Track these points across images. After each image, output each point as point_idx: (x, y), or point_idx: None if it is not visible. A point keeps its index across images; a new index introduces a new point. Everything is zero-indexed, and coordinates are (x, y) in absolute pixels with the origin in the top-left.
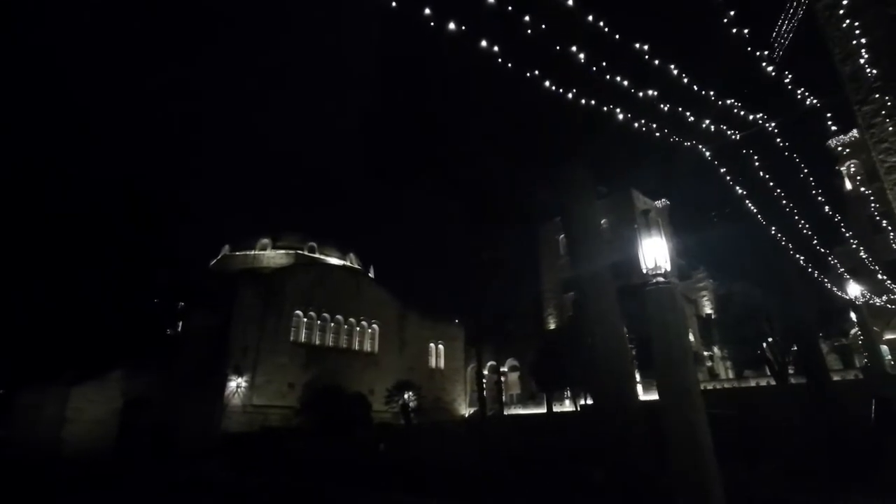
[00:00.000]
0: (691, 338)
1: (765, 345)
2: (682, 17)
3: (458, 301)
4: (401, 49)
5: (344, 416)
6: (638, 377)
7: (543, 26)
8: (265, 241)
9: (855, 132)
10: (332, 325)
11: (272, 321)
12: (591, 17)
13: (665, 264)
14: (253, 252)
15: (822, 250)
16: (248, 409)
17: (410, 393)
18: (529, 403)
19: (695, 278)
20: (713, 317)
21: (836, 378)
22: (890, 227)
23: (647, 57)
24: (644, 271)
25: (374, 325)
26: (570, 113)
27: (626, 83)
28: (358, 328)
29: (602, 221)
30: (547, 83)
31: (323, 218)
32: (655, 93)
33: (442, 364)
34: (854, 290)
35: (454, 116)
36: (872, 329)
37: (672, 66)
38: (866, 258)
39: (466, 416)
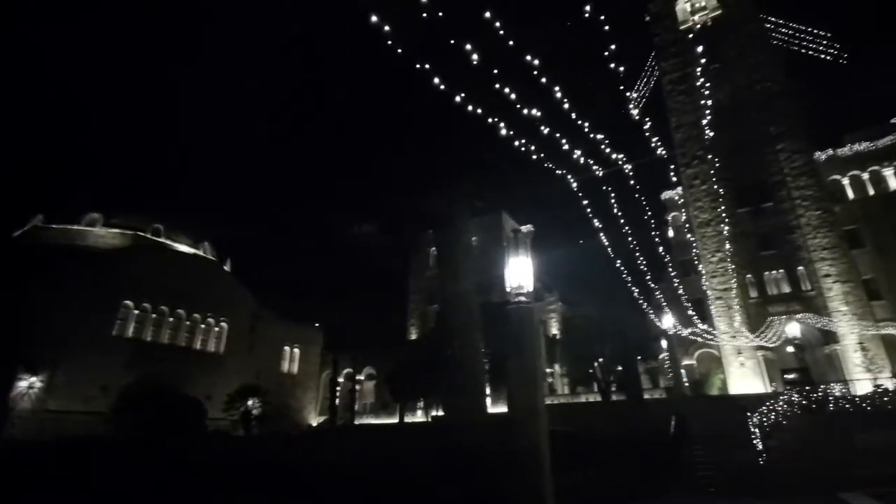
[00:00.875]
0: None
1: (596, 364)
2: (569, 37)
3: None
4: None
5: (170, 424)
6: (488, 390)
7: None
8: (95, 216)
9: (680, 189)
10: (171, 319)
11: (95, 311)
12: (488, 14)
13: (528, 284)
14: (77, 227)
15: (651, 285)
16: (40, 414)
17: (255, 399)
18: (382, 413)
19: (546, 300)
20: (558, 337)
21: (646, 396)
22: (699, 271)
23: (535, 73)
24: (508, 290)
25: (223, 323)
26: (459, 120)
27: (513, 96)
28: (203, 325)
29: (473, 239)
30: (436, 80)
31: (178, 200)
32: (539, 113)
33: (296, 369)
34: (668, 321)
35: (340, 117)
36: (676, 355)
37: (557, 89)
38: (680, 295)
39: (315, 424)
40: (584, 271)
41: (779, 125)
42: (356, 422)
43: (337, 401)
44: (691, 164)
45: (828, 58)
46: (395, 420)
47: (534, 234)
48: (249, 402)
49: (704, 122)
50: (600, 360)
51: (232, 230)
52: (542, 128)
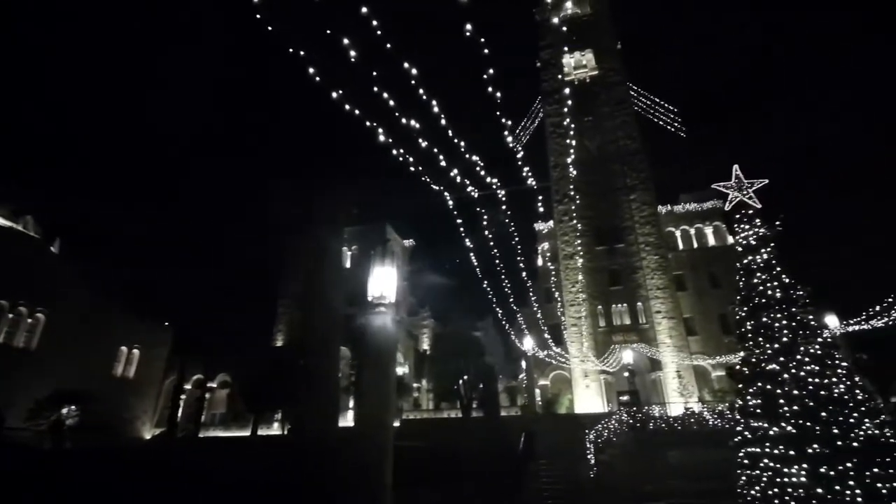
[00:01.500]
0: (406, 370)
1: (461, 381)
2: (453, 55)
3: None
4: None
5: None
6: (351, 403)
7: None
8: None
9: (551, 222)
10: None
11: None
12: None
13: (390, 296)
14: None
15: (516, 308)
16: None
17: (73, 407)
18: (233, 425)
19: (421, 315)
20: (428, 352)
21: (504, 414)
22: (558, 299)
23: (413, 83)
24: (369, 299)
25: (40, 314)
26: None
27: (391, 102)
28: (11, 314)
29: (353, 247)
30: (311, 72)
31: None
32: (417, 124)
33: (132, 373)
34: (528, 343)
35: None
36: (533, 376)
37: (434, 102)
38: (540, 320)
39: (149, 437)
40: (459, 290)
41: (633, 178)
42: (202, 434)
43: (180, 410)
44: (562, 202)
45: (671, 128)
46: (247, 433)
47: (413, 249)
48: (64, 411)
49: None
50: (465, 377)
51: (72, 205)
52: (421, 140)
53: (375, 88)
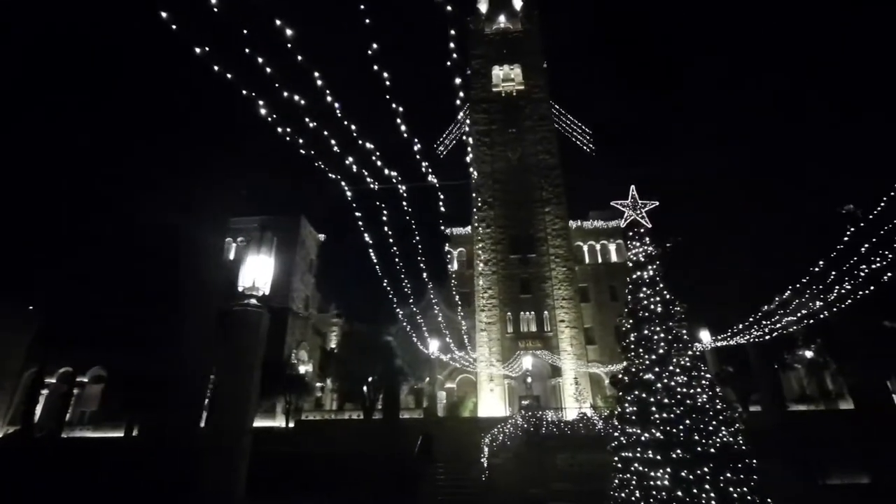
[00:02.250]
0: (310, 368)
1: (367, 382)
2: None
3: (51, 283)
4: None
5: None
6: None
7: None
8: None
9: (469, 228)
10: None
11: None
12: None
13: (264, 287)
14: None
15: (426, 310)
16: None
17: None
18: (106, 424)
19: (331, 313)
20: (335, 351)
21: (407, 416)
22: (469, 304)
23: (298, 57)
24: (240, 289)
25: None
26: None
27: (269, 70)
28: None
29: (243, 239)
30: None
31: None
32: (303, 101)
33: None
34: (435, 346)
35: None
36: (437, 378)
37: (317, 75)
38: (453, 323)
39: None
40: (372, 289)
41: (549, 192)
42: (66, 434)
43: (39, 407)
44: (481, 209)
45: (586, 148)
46: (121, 433)
47: (326, 244)
48: None
49: (492, 177)
50: (371, 378)
51: None
52: (308, 120)
53: (260, 59)
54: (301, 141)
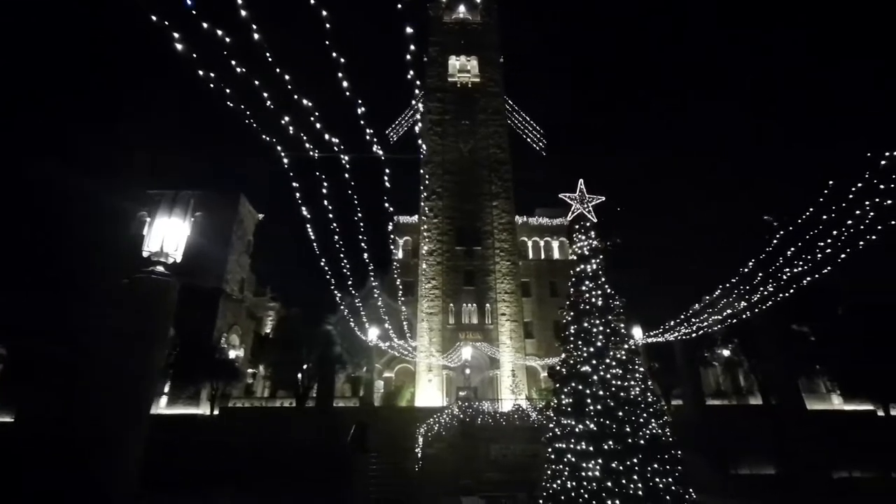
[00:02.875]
0: (241, 353)
1: (303, 369)
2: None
3: None
4: None
5: None
6: (167, 388)
7: None
8: None
9: (416, 217)
10: None
11: None
12: None
13: (175, 254)
14: None
15: (369, 297)
16: None
17: None
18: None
19: (267, 297)
20: (270, 336)
21: (342, 405)
22: (418, 293)
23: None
24: (145, 255)
25: None
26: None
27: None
28: None
29: (197, 213)
30: None
31: None
32: (227, 38)
33: None
34: (374, 334)
35: None
36: (375, 367)
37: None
38: (395, 312)
39: None
40: (312, 273)
41: (498, 186)
42: None
43: None
44: (430, 198)
45: (536, 146)
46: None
47: (264, 223)
48: None
49: (442, 167)
50: (307, 365)
51: None
52: (240, 68)
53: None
54: (228, 91)
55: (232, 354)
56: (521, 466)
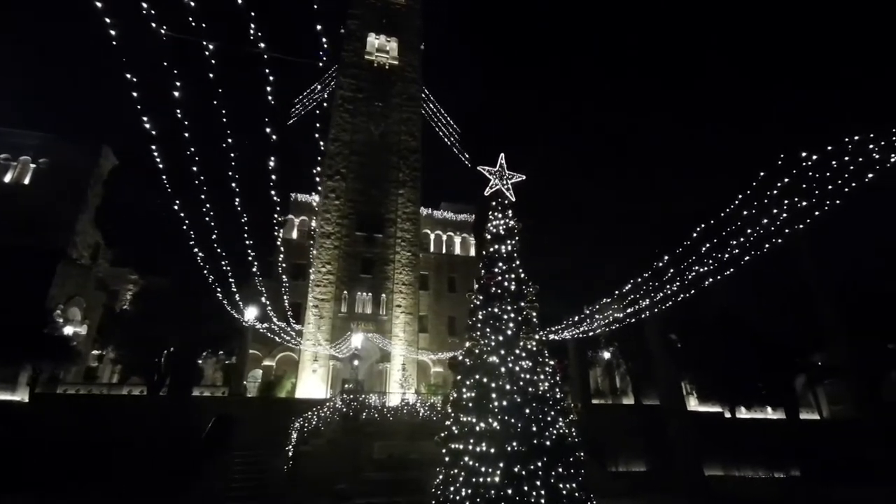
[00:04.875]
0: (82, 330)
1: (165, 353)
2: None
3: None
4: None
5: None
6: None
7: None
8: None
9: (316, 197)
10: None
11: None
12: None
13: None
14: None
15: (252, 278)
16: None
17: None
18: None
19: (129, 268)
20: (126, 311)
21: (206, 394)
22: (311, 277)
23: None
24: None
25: None
26: None
27: None
28: None
29: (41, 160)
30: None
31: None
32: None
33: None
34: (251, 315)
35: None
36: (248, 352)
37: None
38: (282, 295)
39: None
40: (182, 243)
41: (406, 175)
42: None
43: None
44: (333, 178)
45: (448, 141)
46: None
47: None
48: None
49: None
50: (170, 349)
51: None
52: None
53: None
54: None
55: (68, 331)
56: (408, 466)
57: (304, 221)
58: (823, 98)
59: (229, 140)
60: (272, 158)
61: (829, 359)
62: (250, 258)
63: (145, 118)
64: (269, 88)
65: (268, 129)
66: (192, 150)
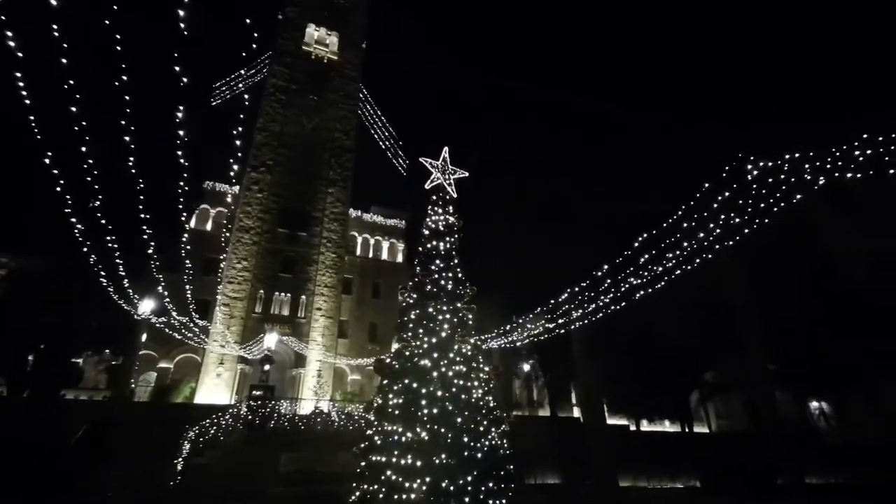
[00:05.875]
0: None
1: (41, 347)
2: None
3: None
4: None
5: None
6: None
7: None
8: None
9: (237, 187)
10: None
11: None
12: None
13: None
14: None
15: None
16: None
17: None
18: None
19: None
20: None
21: (83, 397)
22: (228, 273)
23: None
24: None
25: None
26: None
27: None
28: None
29: None
30: None
31: None
32: None
33: None
34: (146, 306)
35: None
36: (137, 352)
37: None
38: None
39: None
40: (60, 212)
41: (337, 173)
42: None
43: None
44: (257, 170)
45: (382, 145)
46: None
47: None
48: None
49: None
50: (42, 343)
51: None
52: None
53: None
54: None
55: None
56: (318, 480)
57: (221, 213)
58: (796, 104)
59: (127, 107)
60: (181, 134)
61: (718, 376)
62: (150, 247)
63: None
64: (177, 56)
65: (180, 110)
66: (75, 109)
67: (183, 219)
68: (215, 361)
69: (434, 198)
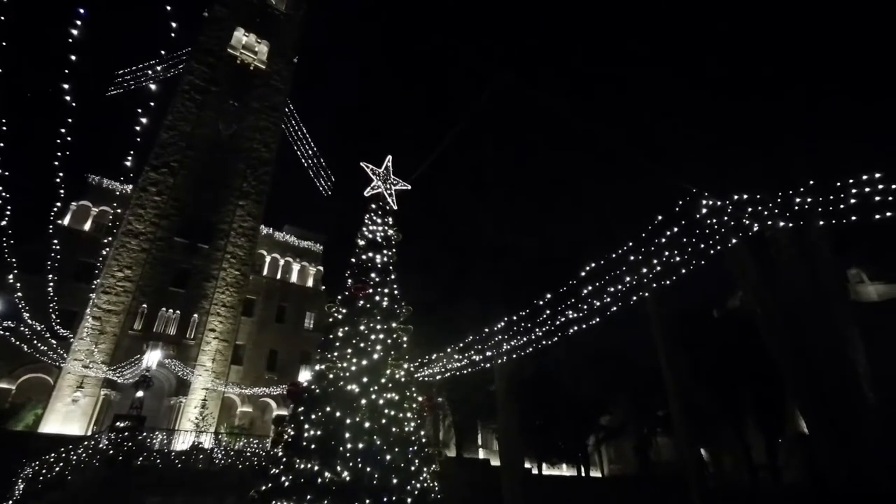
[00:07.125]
0: None
1: None
2: None
3: None
4: None
5: None
6: None
7: None
8: None
9: (130, 186)
10: None
11: None
12: None
13: None
14: None
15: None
16: None
17: None
18: None
19: None
20: None
21: None
22: (104, 282)
23: None
24: None
25: None
26: None
27: None
28: None
29: None
30: None
31: None
32: None
33: None
34: None
35: None
36: None
37: None
38: (46, 299)
39: None
40: None
41: (250, 186)
42: None
43: None
44: (158, 170)
45: (305, 163)
46: None
47: None
48: None
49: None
50: None
51: None
52: None
53: None
54: None
55: None
56: None
57: (104, 213)
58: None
59: None
60: (57, 114)
61: (612, 421)
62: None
63: None
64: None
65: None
66: None
67: (54, 211)
68: (73, 384)
69: (373, 206)
